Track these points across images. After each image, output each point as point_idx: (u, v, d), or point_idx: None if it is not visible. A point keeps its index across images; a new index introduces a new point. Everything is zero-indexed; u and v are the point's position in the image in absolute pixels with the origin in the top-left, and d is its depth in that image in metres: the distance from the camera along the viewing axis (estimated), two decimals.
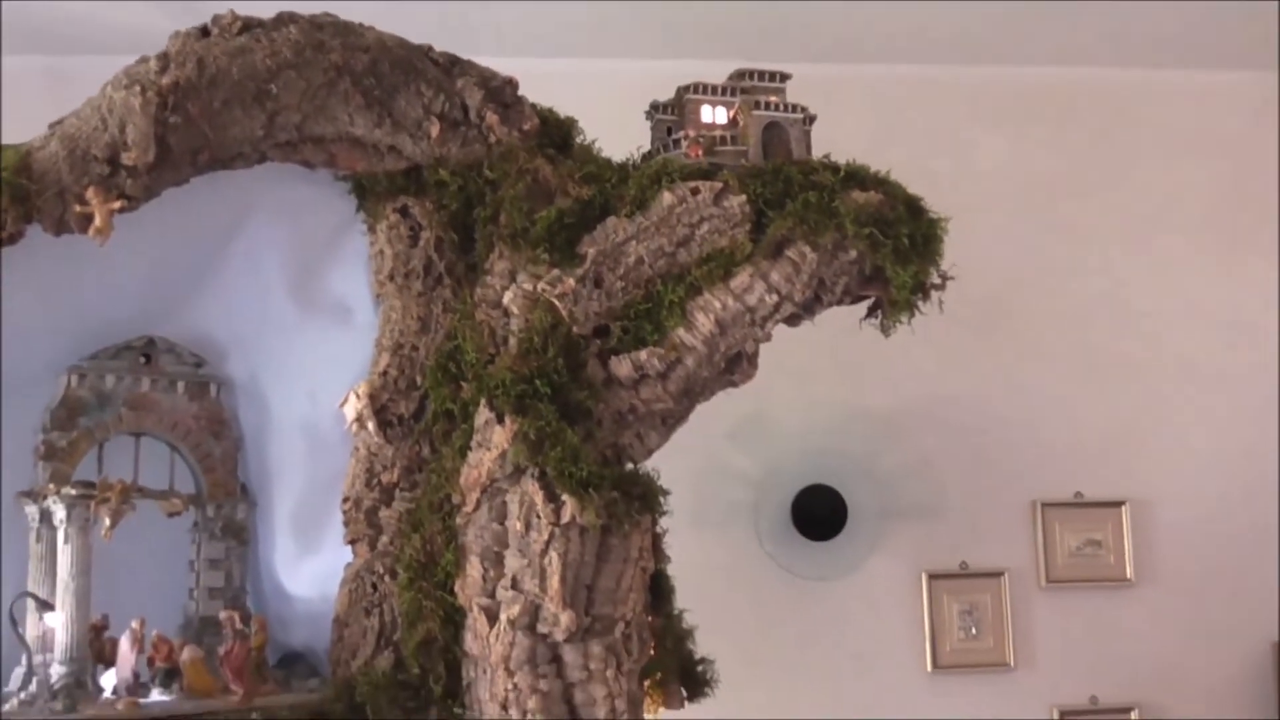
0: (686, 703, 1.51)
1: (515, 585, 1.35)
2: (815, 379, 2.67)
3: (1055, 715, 2.70)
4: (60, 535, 1.37)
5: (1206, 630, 2.74)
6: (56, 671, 1.31)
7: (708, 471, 2.64)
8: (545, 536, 1.34)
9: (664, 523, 1.50)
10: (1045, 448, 2.76)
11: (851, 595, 2.70)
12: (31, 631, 1.39)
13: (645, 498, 1.40)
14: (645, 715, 1.43)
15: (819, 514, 2.60)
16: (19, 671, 1.38)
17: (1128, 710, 2.70)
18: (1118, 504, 2.77)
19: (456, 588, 1.39)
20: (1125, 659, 2.73)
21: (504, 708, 1.34)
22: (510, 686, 1.33)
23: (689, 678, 1.52)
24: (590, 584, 1.37)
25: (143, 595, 1.50)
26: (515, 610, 1.34)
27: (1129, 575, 2.76)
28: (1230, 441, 2.82)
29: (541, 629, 1.34)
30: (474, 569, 1.38)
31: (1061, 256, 2.82)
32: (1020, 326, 2.79)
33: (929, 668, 2.70)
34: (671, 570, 1.55)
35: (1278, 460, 2.79)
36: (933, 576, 2.72)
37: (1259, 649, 2.73)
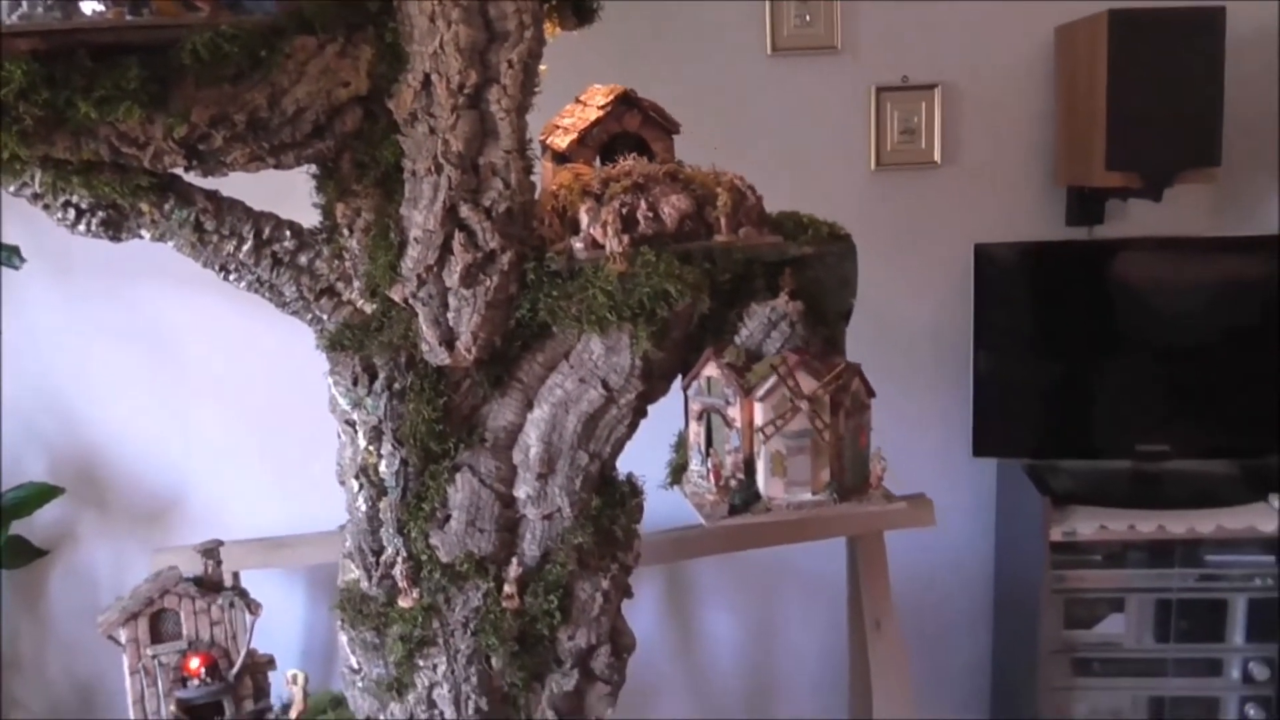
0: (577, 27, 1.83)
1: None
2: None
3: (873, 91, 3.16)
4: None
5: (999, 17, 3.15)
6: None
7: None
8: None
9: None
10: None
11: None
12: None
13: None
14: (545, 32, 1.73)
15: None
16: None
17: (932, 87, 3.17)
18: None
19: None
20: (933, 45, 3.14)
21: (431, 20, 1.61)
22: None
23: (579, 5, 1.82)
24: None
25: None
26: None
27: None
28: None
29: None
30: None
31: None
32: None
33: (769, 50, 3.09)
34: None
35: None
36: None
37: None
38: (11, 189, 1.67)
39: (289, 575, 3.11)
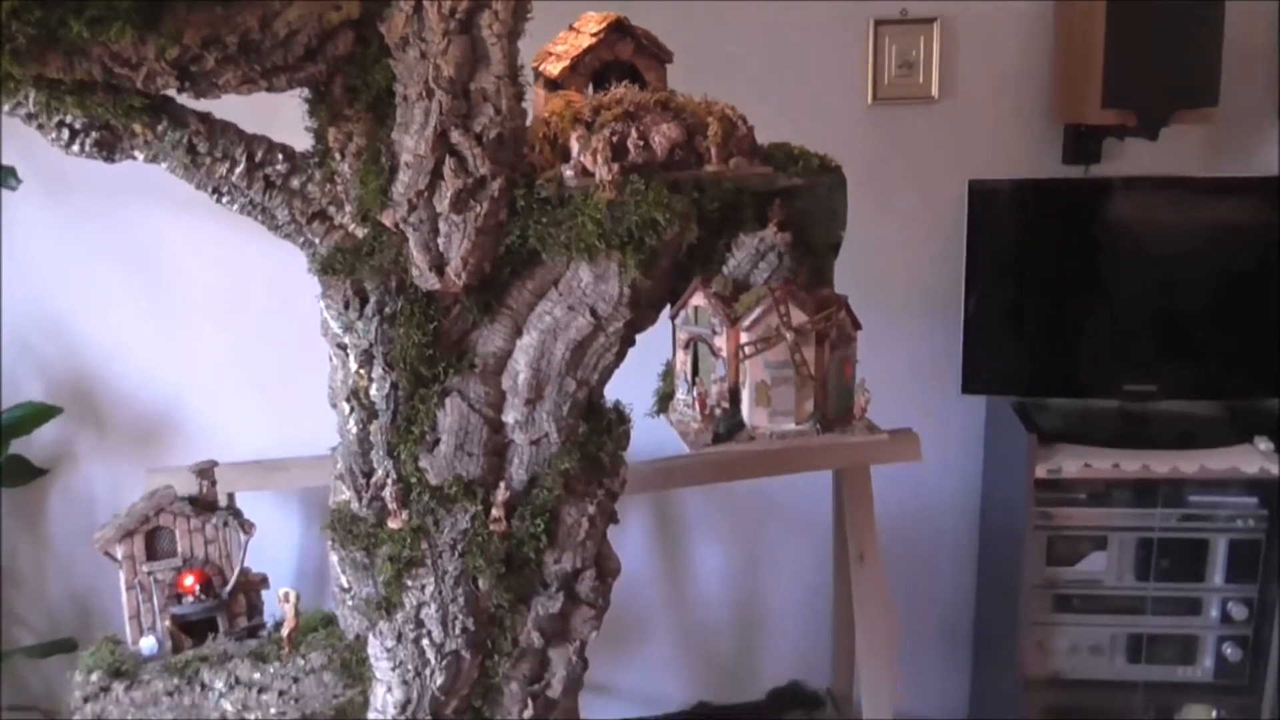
0: None
1: None
2: None
3: (871, 24, 3.13)
4: None
5: None
6: None
7: None
8: None
9: None
10: None
11: None
12: None
13: None
14: None
15: None
16: None
17: (931, 21, 3.14)
18: None
19: None
20: None
21: None
22: None
23: None
24: None
25: None
26: None
27: None
28: None
29: None
30: None
31: None
32: None
33: None
34: None
35: None
36: None
37: None
38: (6, 109, 1.68)
39: (283, 497, 3.15)
